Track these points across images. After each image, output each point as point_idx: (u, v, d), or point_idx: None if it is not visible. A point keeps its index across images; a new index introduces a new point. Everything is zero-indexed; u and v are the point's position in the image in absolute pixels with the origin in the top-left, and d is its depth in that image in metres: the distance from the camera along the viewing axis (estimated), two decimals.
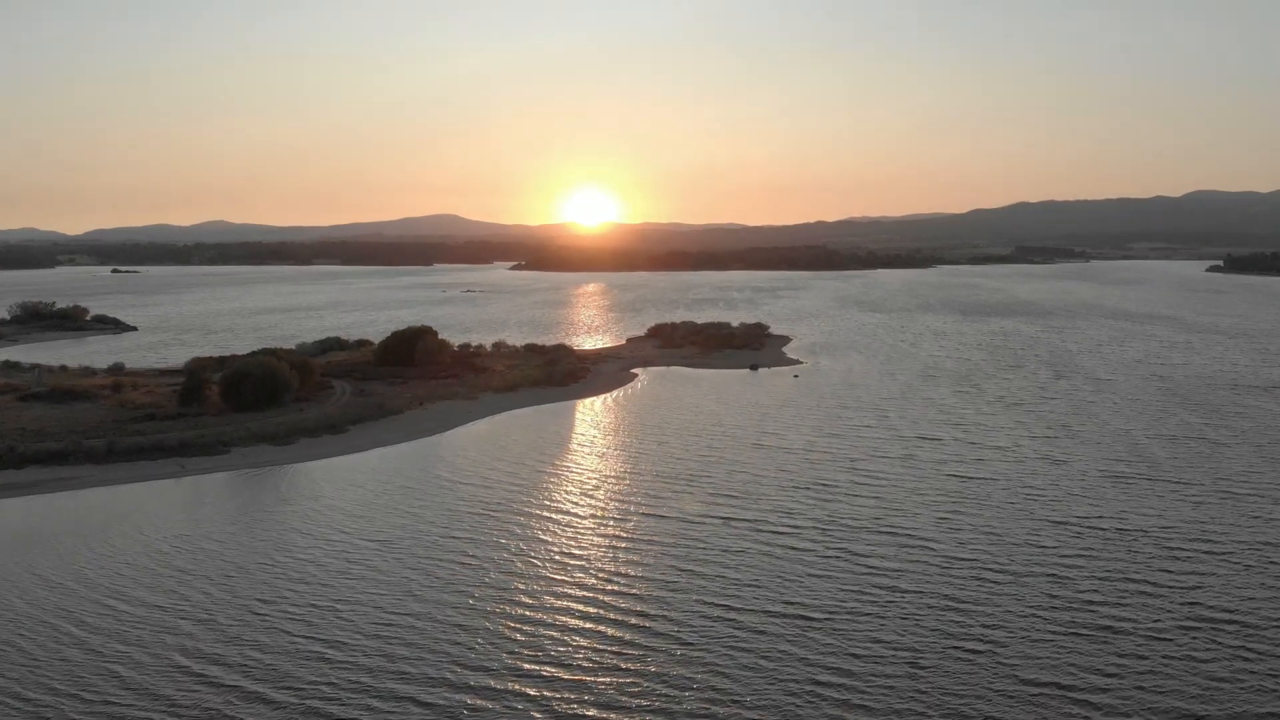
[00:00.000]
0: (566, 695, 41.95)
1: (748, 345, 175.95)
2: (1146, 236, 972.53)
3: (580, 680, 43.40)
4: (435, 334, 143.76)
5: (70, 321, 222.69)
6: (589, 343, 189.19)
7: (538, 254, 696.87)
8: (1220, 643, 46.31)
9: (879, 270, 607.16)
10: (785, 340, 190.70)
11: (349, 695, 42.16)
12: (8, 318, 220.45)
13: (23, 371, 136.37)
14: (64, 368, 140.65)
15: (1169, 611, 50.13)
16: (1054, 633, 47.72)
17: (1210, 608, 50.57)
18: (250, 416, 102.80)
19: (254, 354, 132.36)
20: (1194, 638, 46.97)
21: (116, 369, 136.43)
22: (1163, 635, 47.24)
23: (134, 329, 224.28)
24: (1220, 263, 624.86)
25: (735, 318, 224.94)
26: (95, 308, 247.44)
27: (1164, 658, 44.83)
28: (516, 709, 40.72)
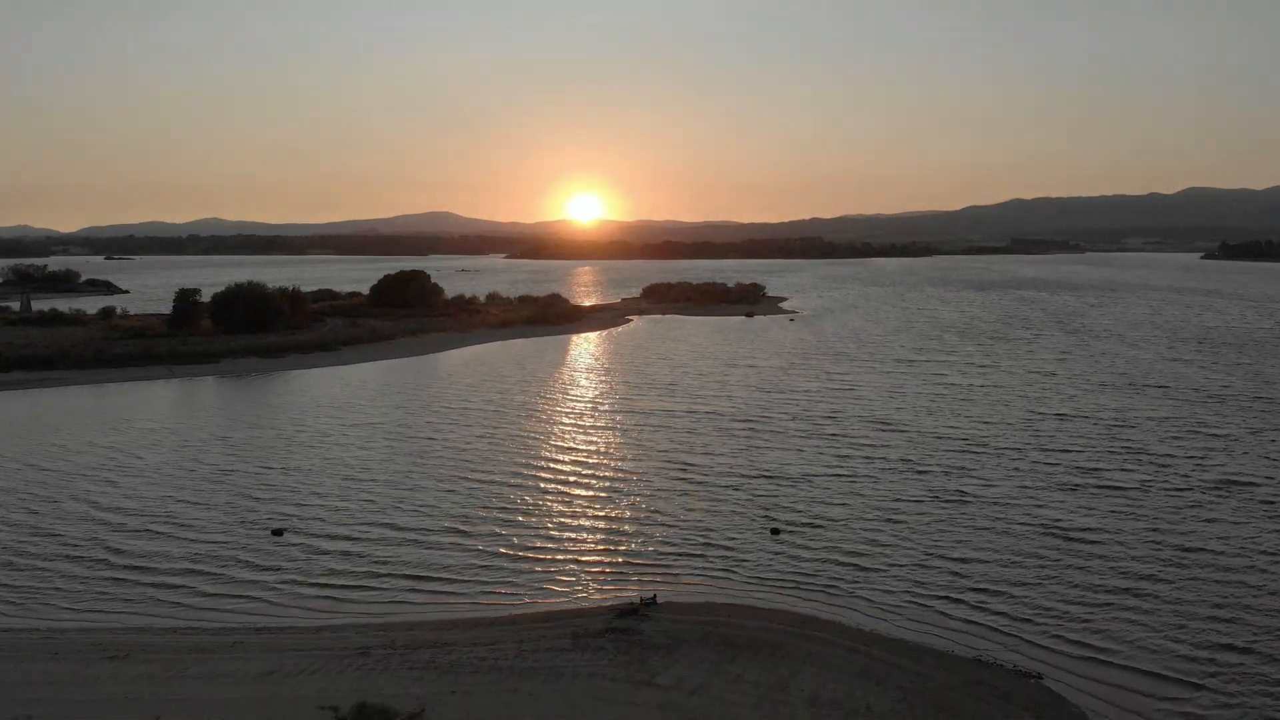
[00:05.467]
0: (513, 535, 39.84)
1: (743, 301, 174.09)
2: (1141, 232, 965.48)
3: (532, 522, 41.37)
4: (429, 277, 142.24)
5: (62, 284, 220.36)
6: (584, 301, 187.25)
7: (533, 247, 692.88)
8: (1225, 496, 43.84)
9: (875, 259, 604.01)
10: (782, 299, 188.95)
11: (288, 524, 40.40)
12: None
13: (12, 313, 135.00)
14: (55, 310, 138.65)
15: (1171, 475, 47.66)
16: (1043, 488, 45.49)
17: (1220, 472, 47.92)
18: (241, 337, 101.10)
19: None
20: (1196, 493, 44.55)
21: (107, 310, 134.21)
22: (1166, 491, 44.82)
23: (126, 292, 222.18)
24: (1215, 250, 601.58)
25: None
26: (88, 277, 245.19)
27: (1162, 504, 42.61)
28: (461, 548, 38.40)
